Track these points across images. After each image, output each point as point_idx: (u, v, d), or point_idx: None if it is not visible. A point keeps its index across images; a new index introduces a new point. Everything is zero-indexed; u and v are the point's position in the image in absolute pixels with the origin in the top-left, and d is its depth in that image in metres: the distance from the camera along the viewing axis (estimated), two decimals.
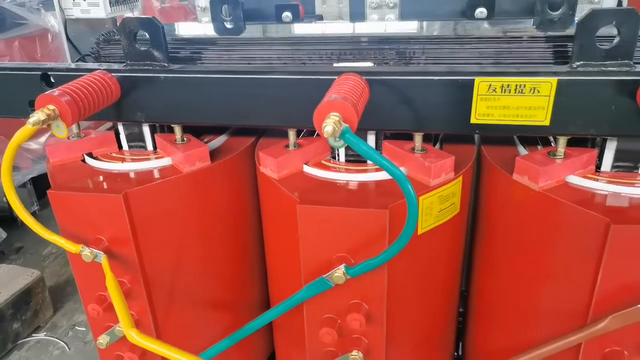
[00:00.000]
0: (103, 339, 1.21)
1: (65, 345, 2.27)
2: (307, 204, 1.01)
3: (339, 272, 1.00)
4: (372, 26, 1.56)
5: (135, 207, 1.10)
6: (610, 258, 0.90)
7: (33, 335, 2.33)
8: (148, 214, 1.12)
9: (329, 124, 0.80)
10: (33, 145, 3.03)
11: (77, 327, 2.37)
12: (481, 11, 1.40)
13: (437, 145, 1.19)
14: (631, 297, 0.91)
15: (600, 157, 1.03)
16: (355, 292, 1.07)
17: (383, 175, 1.10)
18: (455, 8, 1.47)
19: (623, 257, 0.89)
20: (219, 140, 1.30)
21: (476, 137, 1.25)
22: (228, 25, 1.54)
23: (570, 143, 1.05)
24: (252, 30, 1.56)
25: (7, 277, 2.29)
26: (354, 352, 1.09)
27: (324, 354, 1.14)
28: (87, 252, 1.09)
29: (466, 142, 1.22)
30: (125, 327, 0.98)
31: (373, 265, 0.97)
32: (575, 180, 1.01)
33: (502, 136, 1.21)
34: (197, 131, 1.26)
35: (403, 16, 1.52)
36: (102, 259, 1.10)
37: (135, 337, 0.97)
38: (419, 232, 1.06)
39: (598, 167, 1.04)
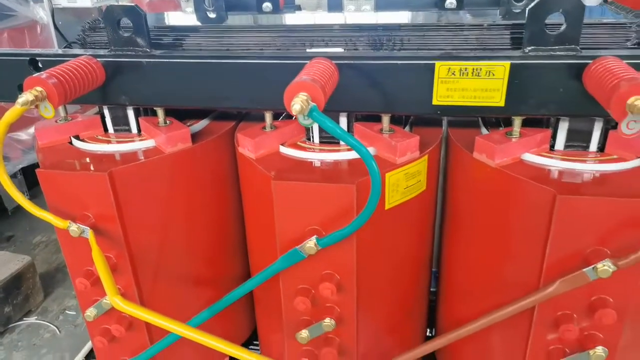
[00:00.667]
0: (90, 312, 1.28)
1: (56, 329, 2.33)
2: (281, 180, 1.08)
3: (310, 243, 1.08)
4: (348, 16, 1.62)
5: (119, 185, 1.16)
6: (558, 227, 0.98)
7: (24, 319, 2.39)
8: (132, 192, 1.19)
9: (297, 103, 0.87)
10: (23, 135, 3.07)
11: (67, 311, 2.44)
12: (451, 2, 1.47)
13: (407, 128, 1.27)
14: (577, 263, 0.99)
15: (554, 136, 1.11)
16: (327, 263, 1.14)
17: (354, 155, 1.17)
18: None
19: (569, 226, 0.97)
20: (201, 123, 1.37)
21: (444, 120, 1.32)
22: (211, 15, 1.60)
23: (527, 124, 1.13)
24: (234, 20, 1.62)
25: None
26: (327, 320, 1.17)
27: (299, 322, 1.21)
28: (74, 228, 1.16)
29: (434, 125, 1.29)
30: (110, 294, 1.05)
31: (341, 236, 1.05)
32: (529, 157, 1.09)
33: (468, 119, 1.29)
34: (180, 115, 1.33)
35: (378, 7, 1.59)
36: (89, 234, 1.16)
37: (120, 304, 1.04)
38: (387, 207, 1.13)
39: (553, 146, 1.12)
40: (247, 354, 1.04)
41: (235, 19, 1.62)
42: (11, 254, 2.44)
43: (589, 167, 1.04)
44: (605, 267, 0.95)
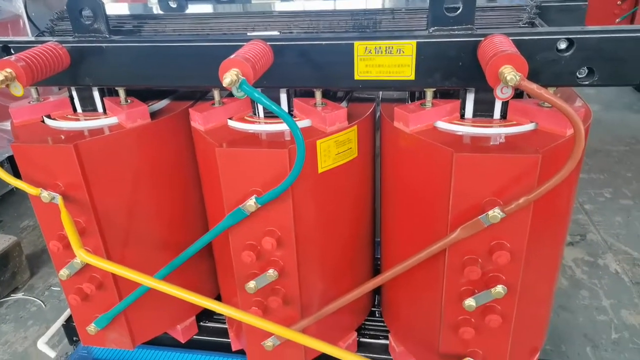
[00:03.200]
0: (64, 272, 1.44)
1: (42, 303, 2.48)
2: (225, 147, 1.23)
3: (250, 202, 1.24)
4: (306, 4, 1.78)
5: (84, 156, 1.31)
6: (457, 181, 1.14)
7: (12, 295, 2.54)
8: (96, 163, 1.34)
9: (228, 77, 1.02)
10: (9, 125, 3.21)
11: (52, 288, 2.59)
12: None
13: (344, 103, 1.43)
14: (476, 212, 1.16)
15: (463, 106, 1.28)
16: (269, 221, 1.30)
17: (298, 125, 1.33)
18: None
19: (466, 181, 1.14)
20: (162, 103, 1.52)
21: (379, 96, 1.48)
22: (172, 5, 1.75)
23: (443, 97, 1.29)
24: (194, 8, 1.77)
25: None
26: (270, 271, 1.33)
27: (248, 275, 1.37)
28: (45, 194, 1.31)
29: (368, 102, 1.45)
30: (75, 248, 1.20)
31: (275, 194, 1.21)
32: (441, 124, 1.25)
33: (398, 97, 1.46)
34: (143, 96, 1.48)
35: None
36: (59, 199, 1.32)
37: (84, 256, 1.19)
38: (320, 170, 1.29)
39: (463, 115, 1.29)
40: (209, 301, 1.20)
41: (194, 8, 1.78)
42: None
43: (488, 131, 1.20)
44: (495, 213, 1.11)
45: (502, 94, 1.00)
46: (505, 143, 1.16)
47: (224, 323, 1.80)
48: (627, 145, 3.79)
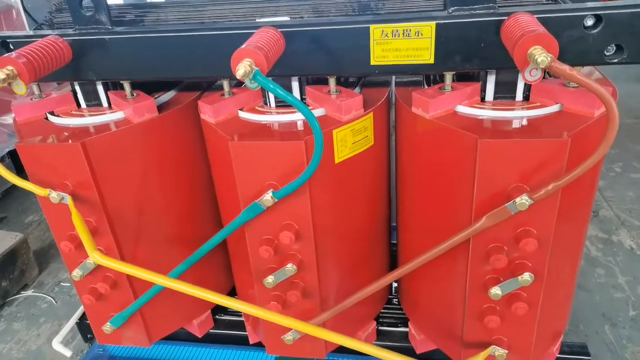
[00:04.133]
0: (77, 272, 1.41)
1: (52, 299, 2.47)
2: (239, 140, 1.19)
3: (267, 197, 1.20)
4: None
5: (92, 154, 1.27)
6: (482, 168, 1.10)
7: (21, 292, 2.52)
8: (105, 160, 1.30)
9: (241, 68, 0.97)
10: (9, 119, 3.15)
11: (62, 284, 2.57)
12: None
13: (357, 89, 1.37)
14: (502, 199, 1.12)
15: (484, 89, 1.23)
16: (286, 214, 1.26)
17: None
18: None
19: (491, 167, 1.10)
20: (168, 95, 1.47)
21: (392, 81, 1.43)
22: None
23: (461, 79, 1.24)
24: None
25: None
26: (289, 265, 1.30)
27: (266, 270, 1.34)
28: (54, 195, 1.27)
29: (382, 86, 1.40)
30: (89, 250, 1.17)
31: (293, 188, 1.17)
32: (461, 109, 1.20)
33: (412, 79, 1.40)
34: (148, 88, 1.42)
35: None
36: (68, 200, 1.28)
37: (98, 258, 1.16)
38: (336, 161, 1.25)
39: (484, 98, 1.24)
40: (227, 299, 1.17)
41: None
42: (4, 231, 2.56)
43: (511, 114, 1.16)
44: (523, 200, 1.07)
45: (530, 77, 0.95)
46: (530, 127, 1.12)
47: (240, 316, 1.78)
48: (635, 118, 3.74)
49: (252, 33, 1.12)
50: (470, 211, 1.16)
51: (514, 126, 1.13)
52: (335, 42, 1.16)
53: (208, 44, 1.20)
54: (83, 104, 1.43)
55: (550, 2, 1.16)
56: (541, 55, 0.88)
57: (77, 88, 1.41)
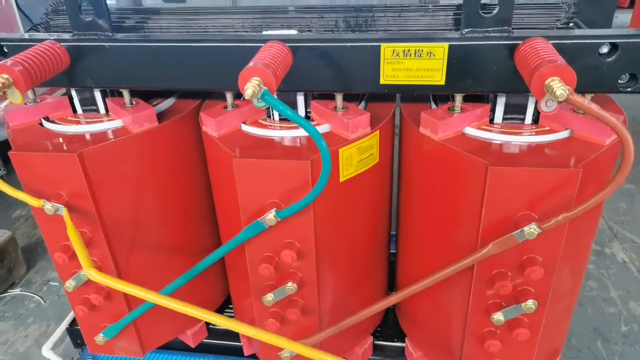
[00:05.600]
0: (70, 284, 1.37)
1: (40, 299, 2.42)
2: (241, 157, 1.16)
3: (270, 215, 1.17)
4: None
5: (89, 165, 1.23)
6: (490, 195, 1.08)
7: (9, 290, 2.47)
8: (102, 171, 1.26)
9: (250, 87, 0.94)
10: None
11: (50, 283, 2.52)
12: None
13: (362, 104, 1.35)
14: (509, 226, 1.10)
15: (493, 110, 1.20)
16: (288, 233, 1.24)
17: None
18: None
19: (500, 194, 1.08)
20: (167, 102, 1.43)
21: (397, 96, 1.40)
22: None
23: (469, 99, 1.22)
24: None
25: None
26: (289, 284, 1.27)
27: (265, 287, 1.31)
28: (48, 206, 1.23)
29: (388, 101, 1.37)
30: (85, 267, 1.13)
31: (297, 208, 1.14)
32: (470, 131, 1.18)
33: (418, 95, 1.38)
34: (146, 95, 1.38)
35: None
36: (63, 211, 1.23)
37: (95, 276, 1.12)
38: (341, 179, 1.22)
39: (492, 119, 1.22)
40: (213, 316, 1.14)
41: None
42: None
43: (521, 139, 1.14)
44: (531, 230, 1.06)
45: (547, 107, 0.93)
46: (541, 154, 1.10)
47: None
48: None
49: (259, 47, 1.09)
50: (477, 236, 1.15)
51: (524, 152, 1.11)
52: (344, 59, 1.13)
53: (212, 56, 1.17)
54: (79, 110, 1.39)
55: (564, 26, 1.14)
56: (560, 89, 0.86)
57: (74, 93, 1.36)
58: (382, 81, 1.14)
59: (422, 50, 1.09)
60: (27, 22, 1.68)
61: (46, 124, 1.34)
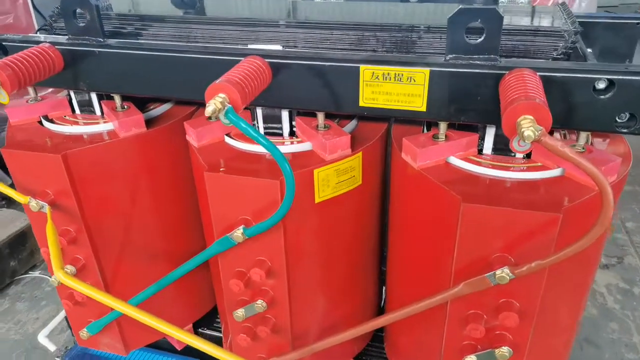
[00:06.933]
0: (54, 279, 1.40)
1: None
2: (214, 172, 1.14)
3: (237, 232, 1.15)
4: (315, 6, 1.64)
5: (74, 166, 1.25)
6: (463, 232, 1.01)
7: (29, 272, 2.59)
8: (87, 173, 1.28)
9: (211, 104, 0.92)
10: None
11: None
12: None
13: (354, 122, 1.30)
14: (483, 266, 1.03)
15: (483, 140, 1.13)
16: (260, 250, 1.21)
17: (294, 148, 1.22)
18: None
19: (474, 232, 1.01)
20: (163, 107, 1.44)
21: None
22: None
23: (460, 126, 1.15)
24: (208, 5, 1.66)
25: (5, 220, 2.53)
26: (259, 302, 1.25)
27: (237, 302, 1.30)
28: (33, 203, 1.26)
29: (382, 120, 1.32)
30: (55, 268, 1.15)
31: (264, 228, 1.11)
32: (454, 161, 1.11)
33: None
34: (143, 99, 1.40)
35: None
36: (47, 209, 1.27)
37: (62, 277, 1.14)
38: (317, 200, 1.18)
39: (481, 150, 1.14)
40: (176, 330, 1.13)
41: (209, 4, 1.67)
42: (17, 212, 2.62)
43: (506, 175, 1.06)
44: (504, 274, 0.98)
45: (518, 147, 0.85)
46: (523, 193, 1.02)
47: (222, 332, 1.75)
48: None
49: (239, 60, 1.07)
50: (450, 274, 1.08)
51: (505, 190, 1.03)
52: (323, 78, 1.09)
53: (191, 67, 1.16)
54: (77, 110, 1.42)
55: (562, 56, 1.05)
56: (529, 129, 0.79)
57: (72, 94, 1.40)
58: (361, 103, 1.09)
59: (402, 75, 1.03)
60: (42, 21, 1.75)
61: (45, 123, 1.38)
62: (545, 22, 1.24)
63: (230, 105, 0.94)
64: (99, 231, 1.37)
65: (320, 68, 1.08)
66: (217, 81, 0.96)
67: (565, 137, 1.17)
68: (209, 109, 0.92)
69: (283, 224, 1.16)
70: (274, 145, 0.97)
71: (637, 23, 1.29)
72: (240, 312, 1.27)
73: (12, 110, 1.39)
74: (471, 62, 0.99)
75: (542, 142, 0.80)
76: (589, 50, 1.37)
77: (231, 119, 0.94)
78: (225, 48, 1.19)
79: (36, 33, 1.46)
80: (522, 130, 0.79)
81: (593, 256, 1.14)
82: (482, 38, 0.97)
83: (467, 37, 0.99)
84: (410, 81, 1.03)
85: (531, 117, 0.81)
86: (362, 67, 1.05)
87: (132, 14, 1.47)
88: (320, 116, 1.19)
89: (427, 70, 1.01)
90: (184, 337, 1.11)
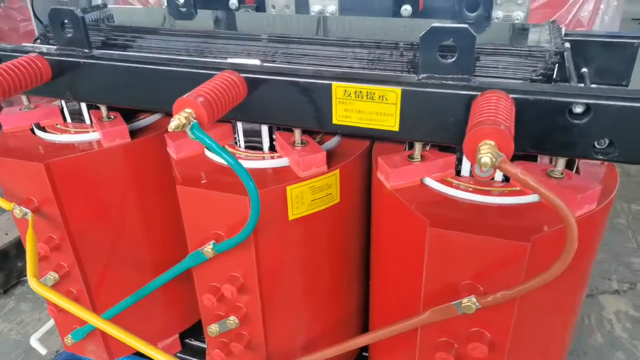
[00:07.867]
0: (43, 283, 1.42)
1: None
2: (186, 185, 1.14)
3: (208, 248, 1.14)
4: (307, 19, 1.63)
5: (57, 174, 1.27)
6: (430, 257, 0.98)
7: None
8: (69, 181, 1.29)
9: (175, 119, 0.92)
10: None
11: None
12: (405, 9, 1.43)
13: (336, 138, 1.28)
14: (450, 294, 0.99)
15: (460, 161, 1.09)
16: (232, 265, 1.20)
17: (273, 163, 1.21)
18: (389, 4, 1.52)
19: (441, 258, 0.97)
20: (152, 118, 1.45)
21: None
22: (182, 9, 1.67)
23: (442, 147, 1.12)
24: (204, 17, 1.68)
25: (13, 222, 2.59)
26: (231, 318, 1.24)
27: (213, 317, 1.29)
28: (17, 210, 1.29)
29: (366, 138, 1.29)
30: (29, 274, 1.17)
31: (233, 244, 1.10)
32: (430, 182, 1.08)
33: None
34: (133, 109, 1.41)
35: (342, 9, 1.58)
36: (29, 217, 1.29)
37: (35, 285, 1.15)
38: (290, 217, 1.17)
39: (459, 172, 1.10)
40: (150, 349, 1.12)
41: (205, 16, 1.68)
42: None
43: (480, 199, 1.02)
44: (470, 303, 0.94)
45: (480, 172, 0.82)
46: (495, 219, 0.98)
47: None
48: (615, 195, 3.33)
49: (214, 74, 1.07)
50: (420, 300, 1.04)
51: (477, 215, 0.99)
52: (297, 94, 1.07)
53: (168, 79, 1.16)
54: (68, 119, 1.44)
55: (540, 77, 1.00)
56: (486, 155, 0.76)
57: (63, 103, 1.42)
58: (334, 121, 1.07)
59: (374, 93, 1.01)
60: (41, 27, 1.79)
61: (36, 131, 1.40)
62: (529, 41, 1.20)
63: (195, 121, 0.94)
64: (82, 239, 1.38)
65: (294, 84, 1.07)
66: (184, 96, 0.96)
67: (551, 160, 1.13)
68: (172, 124, 0.92)
69: (255, 240, 1.14)
70: (238, 162, 0.96)
71: (634, 43, 1.24)
72: (214, 328, 1.26)
73: (5, 117, 1.42)
74: (444, 82, 0.96)
75: (502, 169, 0.77)
76: (585, 69, 1.32)
77: (196, 134, 0.94)
78: (200, 61, 1.19)
79: (33, 42, 1.49)
80: (480, 156, 0.76)
81: (571, 285, 1.08)
82: (455, 57, 0.94)
83: (440, 56, 0.96)
84: (383, 100, 1.01)
85: (493, 142, 0.78)
86: (334, 84, 1.03)
87: (125, 26, 1.49)
88: (297, 132, 1.17)
89: (399, 90, 0.98)
90: (152, 352, 1.10)
